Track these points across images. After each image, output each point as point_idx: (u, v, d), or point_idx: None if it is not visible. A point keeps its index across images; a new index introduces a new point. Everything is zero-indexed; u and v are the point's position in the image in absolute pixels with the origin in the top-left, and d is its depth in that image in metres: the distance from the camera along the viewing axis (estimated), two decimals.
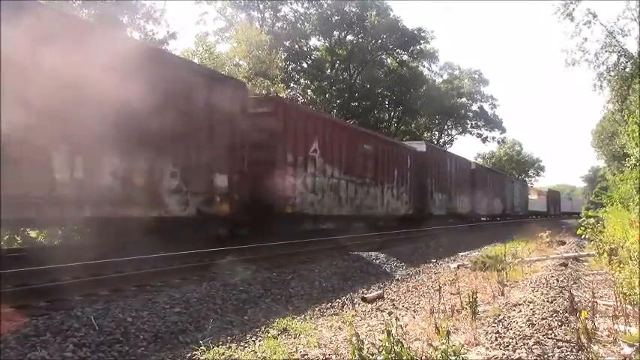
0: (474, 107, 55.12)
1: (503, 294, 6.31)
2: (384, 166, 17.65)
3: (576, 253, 11.53)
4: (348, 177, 15.03)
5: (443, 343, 3.46)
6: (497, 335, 4.34)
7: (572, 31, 24.32)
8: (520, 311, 5.22)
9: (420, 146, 22.27)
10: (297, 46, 40.15)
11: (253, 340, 4.56)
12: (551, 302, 5.57)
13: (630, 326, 4.50)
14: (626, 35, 23.51)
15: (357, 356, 3.41)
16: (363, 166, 16.05)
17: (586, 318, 4.18)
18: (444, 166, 24.32)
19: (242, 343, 4.45)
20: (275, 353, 4.04)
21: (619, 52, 23.66)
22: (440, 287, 6.27)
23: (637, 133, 14.02)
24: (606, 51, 23.83)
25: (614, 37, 23.49)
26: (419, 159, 20.88)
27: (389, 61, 44.36)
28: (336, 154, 14.31)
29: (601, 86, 24.53)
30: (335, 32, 41.21)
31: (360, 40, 41.42)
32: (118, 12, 20.12)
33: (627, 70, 23.48)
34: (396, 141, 23.50)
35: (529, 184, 60.01)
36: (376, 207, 17.05)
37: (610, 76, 23.89)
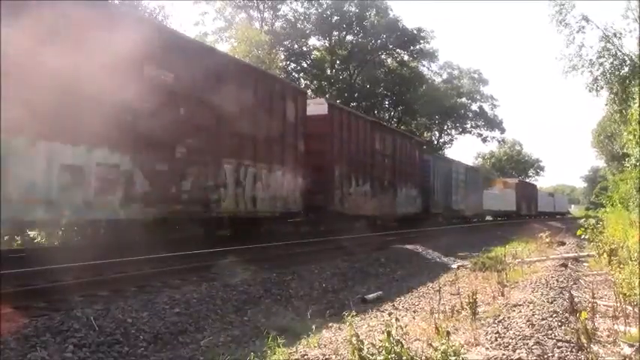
0: (474, 107, 55.20)
1: (503, 294, 6.31)
2: None
3: (576, 254, 11.52)
4: None
5: (443, 344, 3.46)
6: (497, 335, 4.33)
7: (567, 39, 24.32)
8: (520, 312, 5.21)
9: None
10: (296, 46, 40.16)
11: (253, 341, 4.56)
12: (551, 303, 5.56)
13: (630, 326, 4.50)
14: (622, 37, 23.50)
15: (356, 356, 3.41)
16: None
17: (586, 318, 4.17)
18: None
19: (242, 344, 4.45)
20: (275, 353, 4.04)
21: (615, 55, 23.63)
22: (440, 288, 6.27)
23: (638, 133, 14.02)
24: (601, 56, 23.80)
25: (611, 41, 23.47)
26: None
27: (389, 61, 44.37)
28: None
29: (597, 88, 24.54)
30: (334, 32, 41.22)
31: (360, 39, 41.43)
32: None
33: (626, 70, 23.45)
34: None
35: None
36: None
37: (608, 78, 23.88)
